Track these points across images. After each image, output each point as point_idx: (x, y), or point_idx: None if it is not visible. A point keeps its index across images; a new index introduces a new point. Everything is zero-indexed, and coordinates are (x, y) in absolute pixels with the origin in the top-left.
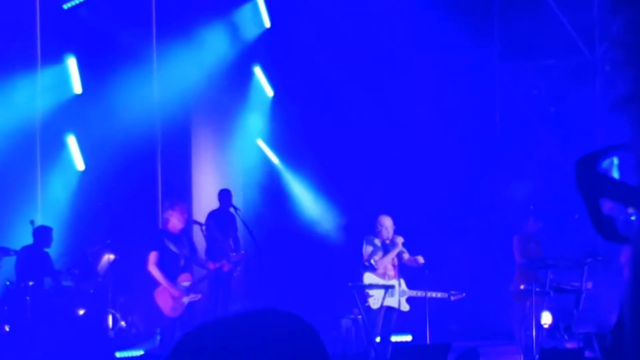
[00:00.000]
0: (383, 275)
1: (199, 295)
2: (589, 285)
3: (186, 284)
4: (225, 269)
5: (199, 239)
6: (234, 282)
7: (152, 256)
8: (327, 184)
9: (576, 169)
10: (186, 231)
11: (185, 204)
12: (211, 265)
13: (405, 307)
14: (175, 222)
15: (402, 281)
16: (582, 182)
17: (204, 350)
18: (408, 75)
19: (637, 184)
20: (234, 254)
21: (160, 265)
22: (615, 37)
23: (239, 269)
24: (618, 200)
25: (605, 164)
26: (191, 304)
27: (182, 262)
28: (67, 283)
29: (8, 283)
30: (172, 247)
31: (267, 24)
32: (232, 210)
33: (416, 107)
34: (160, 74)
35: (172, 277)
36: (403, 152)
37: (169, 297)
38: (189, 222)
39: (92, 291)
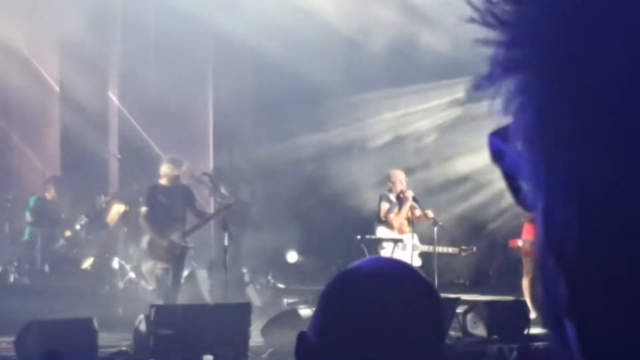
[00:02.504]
0: (399, 231)
1: (191, 246)
2: None
3: (176, 235)
4: (214, 218)
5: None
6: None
7: (142, 210)
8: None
9: (489, 142)
10: (185, 186)
11: (181, 160)
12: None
13: (417, 262)
14: (169, 176)
15: (415, 236)
16: (495, 155)
17: (356, 291)
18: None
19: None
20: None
21: (151, 218)
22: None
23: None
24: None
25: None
26: (183, 253)
27: (175, 213)
28: (77, 233)
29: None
30: (164, 200)
31: None
32: (240, 163)
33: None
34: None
35: (163, 229)
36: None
37: (160, 248)
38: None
39: (101, 242)
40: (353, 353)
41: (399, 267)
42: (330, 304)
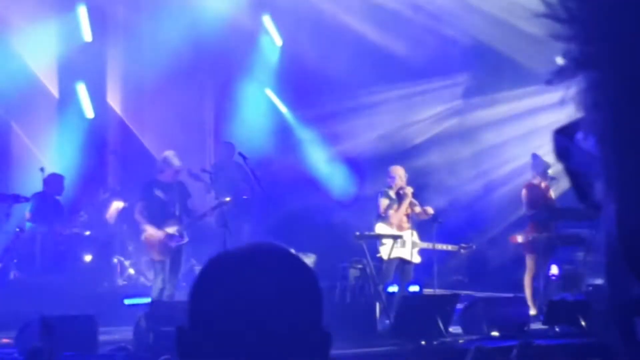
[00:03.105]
0: (399, 227)
1: (186, 239)
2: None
3: (172, 229)
4: (210, 214)
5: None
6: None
7: (138, 205)
8: (335, 134)
9: (554, 139)
10: (181, 181)
11: (177, 156)
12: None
13: (416, 258)
14: (168, 172)
15: (415, 233)
16: (560, 152)
17: (224, 277)
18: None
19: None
20: (217, 199)
21: (147, 213)
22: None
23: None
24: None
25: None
26: (180, 247)
27: (171, 209)
28: (76, 230)
29: (18, 229)
30: (161, 195)
31: None
32: (239, 159)
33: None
34: (170, 21)
35: (159, 224)
36: (410, 102)
37: (156, 241)
38: (186, 171)
39: (100, 238)
40: (226, 339)
41: (268, 250)
42: (199, 291)
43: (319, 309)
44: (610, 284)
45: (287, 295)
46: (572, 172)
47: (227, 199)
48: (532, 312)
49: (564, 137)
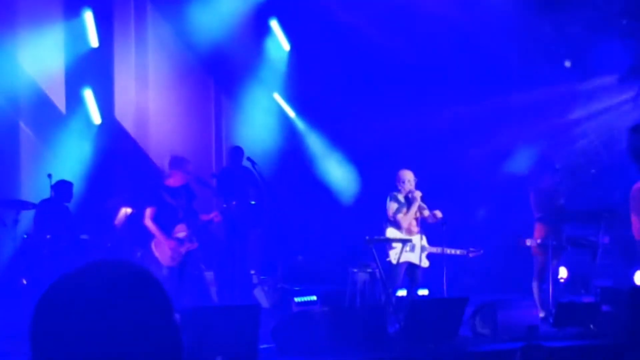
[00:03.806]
0: (408, 231)
1: (196, 244)
2: (606, 239)
3: (181, 234)
4: (217, 219)
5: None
6: (225, 234)
7: (149, 211)
8: (343, 138)
9: (629, 137)
10: (187, 185)
11: (190, 163)
12: (204, 217)
13: (425, 263)
14: (177, 179)
15: (424, 237)
16: (634, 152)
17: (60, 306)
18: (425, 30)
19: None
20: (225, 205)
21: (157, 219)
22: None
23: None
24: None
25: None
26: (189, 252)
27: (180, 214)
28: (84, 237)
29: (25, 236)
30: (170, 200)
31: None
32: (248, 164)
33: (434, 60)
34: (177, 26)
35: (169, 229)
36: (420, 106)
37: (167, 248)
38: (194, 178)
39: (109, 245)
40: None
41: (103, 265)
42: (38, 324)
43: (168, 316)
44: None
45: (129, 308)
46: None
47: (233, 202)
48: (541, 314)
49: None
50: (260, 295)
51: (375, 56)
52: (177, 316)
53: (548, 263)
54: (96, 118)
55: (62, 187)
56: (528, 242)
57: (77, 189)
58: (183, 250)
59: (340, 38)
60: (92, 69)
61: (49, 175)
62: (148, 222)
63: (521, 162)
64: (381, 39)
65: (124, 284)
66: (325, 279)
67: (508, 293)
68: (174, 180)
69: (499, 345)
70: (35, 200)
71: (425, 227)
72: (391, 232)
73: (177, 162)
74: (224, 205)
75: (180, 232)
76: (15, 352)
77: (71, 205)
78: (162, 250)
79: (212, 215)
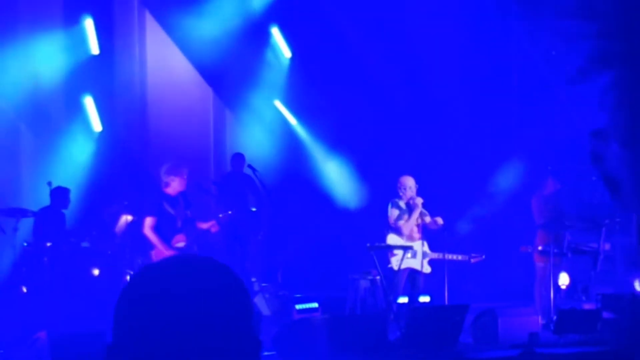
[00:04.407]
0: (409, 238)
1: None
2: (607, 246)
3: (181, 244)
4: (214, 229)
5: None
6: (226, 241)
7: (148, 221)
8: (344, 145)
9: (589, 141)
10: (183, 193)
11: (187, 169)
12: (202, 225)
13: (427, 269)
14: (175, 186)
15: (425, 243)
16: (594, 156)
17: (146, 293)
18: (427, 35)
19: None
20: (221, 214)
21: (157, 228)
22: None
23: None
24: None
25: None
26: None
27: (179, 223)
28: (84, 244)
29: (25, 244)
30: (170, 210)
31: None
32: (249, 171)
33: (434, 67)
34: (178, 33)
35: (168, 239)
36: (421, 113)
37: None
38: (191, 185)
39: (109, 252)
40: (154, 353)
41: (191, 261)
42: (124, 307)
43: (249, 316)
44: None
45: (214, 304)
46: (604, 176)
47: (229, 212)
48: (542, 321)
49: (598, 140)
50: (262, 303)
51: (376, 63)
52: (255, 316)
53: (549, 270)
54: (96, 125)
55: (59, 194)
56: (529, 249)
57: (77, 196)
58: None
59: (341, 45)
60: (92, 76)
61: (49, 183)
62: (148, 232)
63: (516, 173)
64: (382, 46)
65: (209, 277)
66: (327, 286)
67: (509, 300)
68: (172, 189)
69: (500, 352)
70: (36, 208)
71: (426, 233)
72: (392, 239)
73: (173, 168)
74: (220, 215)
75: (179, 242)
76: (17, 358)
77: (71, 212)
78: None
79: (209, 224)
